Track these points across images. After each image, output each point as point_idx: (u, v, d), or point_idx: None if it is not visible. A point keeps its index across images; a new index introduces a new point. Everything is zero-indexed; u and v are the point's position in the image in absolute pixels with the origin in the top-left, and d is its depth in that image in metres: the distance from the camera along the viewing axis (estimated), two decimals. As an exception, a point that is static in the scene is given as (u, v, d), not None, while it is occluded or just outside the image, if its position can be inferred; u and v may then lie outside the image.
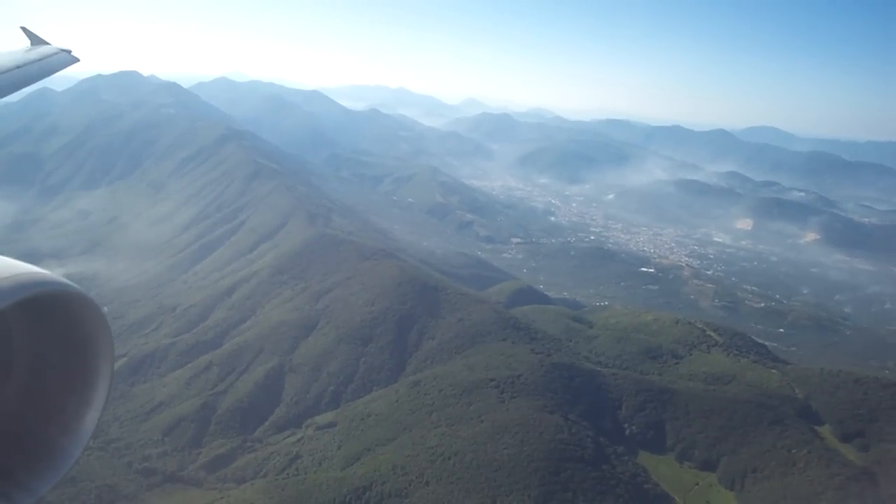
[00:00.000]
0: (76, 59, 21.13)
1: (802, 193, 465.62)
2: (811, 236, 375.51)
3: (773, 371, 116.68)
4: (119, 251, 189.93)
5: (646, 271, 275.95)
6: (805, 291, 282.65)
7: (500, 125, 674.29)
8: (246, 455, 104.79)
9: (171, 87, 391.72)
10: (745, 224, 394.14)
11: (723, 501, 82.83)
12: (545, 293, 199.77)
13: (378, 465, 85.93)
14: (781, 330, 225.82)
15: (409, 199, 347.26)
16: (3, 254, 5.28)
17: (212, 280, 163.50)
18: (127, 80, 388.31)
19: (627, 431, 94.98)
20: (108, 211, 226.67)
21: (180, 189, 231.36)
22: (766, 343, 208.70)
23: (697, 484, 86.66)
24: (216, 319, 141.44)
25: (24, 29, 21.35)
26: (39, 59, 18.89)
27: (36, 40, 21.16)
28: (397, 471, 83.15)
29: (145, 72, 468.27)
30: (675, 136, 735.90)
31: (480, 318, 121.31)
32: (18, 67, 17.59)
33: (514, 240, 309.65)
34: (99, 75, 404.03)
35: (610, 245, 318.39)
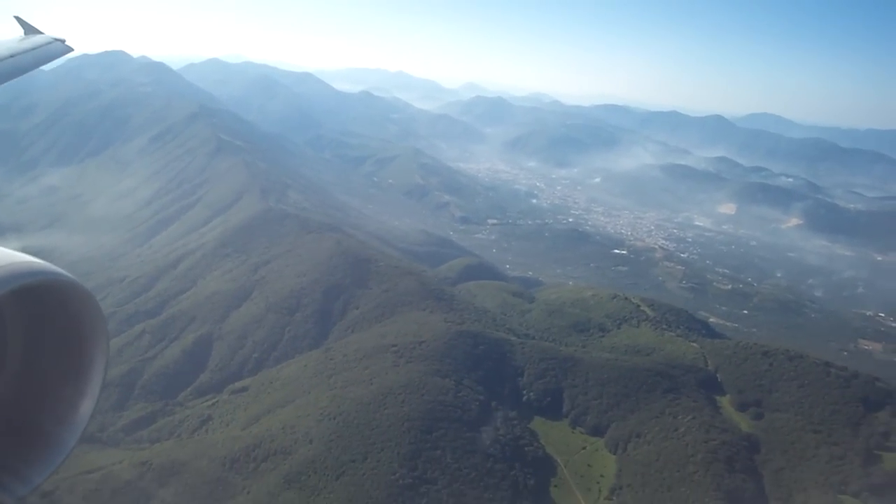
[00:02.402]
0: (70, 49, 21.18)
1: (790, 179, 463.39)
2: (793, 221, 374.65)
3: (694, 344, 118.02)
4: (80, 226, 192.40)
5: (618, 253, 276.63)
6: (778, 275, 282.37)
7: (494, 109, 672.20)
8: (165, 418, 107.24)
9: (154, 67, 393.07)
10: (728, 209, 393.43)
11: (603, 464, 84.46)
12: (501, 271, 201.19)
13: (272, 426, 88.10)
14: (745, 311, 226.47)
15: (390, 181, 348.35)
16: None
17: (163, 253, 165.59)
18: (111, 60, 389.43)
19: (525, 397, 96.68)
20: (75, 187, 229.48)
21: (146, 166, 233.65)
22: (729, 324, 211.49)
23: (584, 448, 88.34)
24: (158, 290, 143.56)
25: (17, 18, 21.29)
26: (33, 49, 18.73)
27: (30, 30, 21.07)
28: (286, 430, 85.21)
29: (135, 53, 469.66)
30: (670, 121, 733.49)
31: (405, 289, 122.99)
32: (12, 56, 17.45)
33: (491, 221, 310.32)
34: (85, 55, 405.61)
35: (587, 227, 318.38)
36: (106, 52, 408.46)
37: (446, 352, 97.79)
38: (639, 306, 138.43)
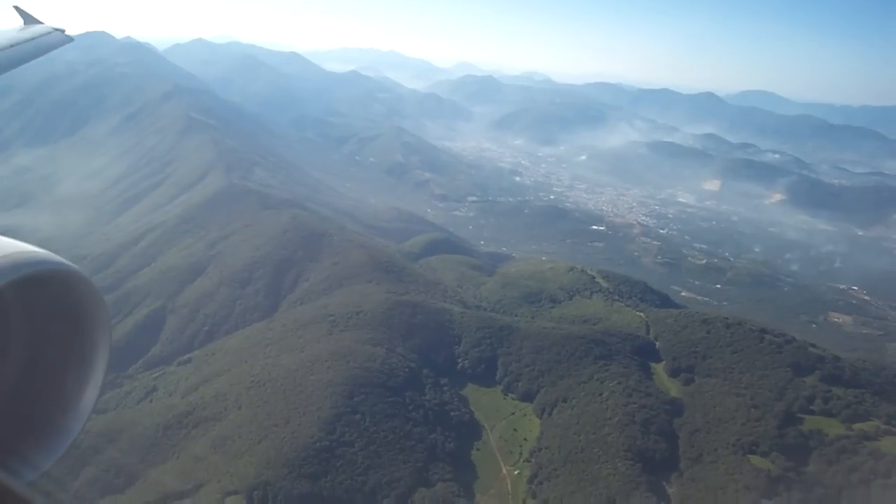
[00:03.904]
0: (70, 39, 21.09)
1: (777, 155, 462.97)
2: (776, 197, 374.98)
3: (640, 314, 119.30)
4: (48, 206, 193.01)
5: (596, 229, 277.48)
6: (756, 250, 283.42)
7: (484, 87, 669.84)
8: (113, 390, 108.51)
9: (134, 48, 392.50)
10: (712, 185, 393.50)
11: (529, 428, 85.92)
12: (470, 247, 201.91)
13: (206, 394, 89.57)
14: (718, 286, 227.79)
15: (371, 159, 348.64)
16: None
17: (127, 231, 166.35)
18: (92, 41, 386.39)
19: (459, 365, 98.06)
20: (47, 167, 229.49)
21: (117, 145, 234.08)
22: (700, 298, 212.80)
23: (513, 413, 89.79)
24: (118, 267, 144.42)
25: (16, 8, 21.08)
26: (32, 39, 18.46)
27: (29, 20, 20.85)
28: (219, 398, 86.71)
29: (120, 34, 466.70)
30: (662, 98, 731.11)
31: (354, 262, 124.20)
32: (12, 47, 17.24)
33: (470, 198, 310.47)
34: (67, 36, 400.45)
35: (568, 204, 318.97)
36: (87, 33, 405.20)
37: (383, 321, 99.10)
38: (594, 278, 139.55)
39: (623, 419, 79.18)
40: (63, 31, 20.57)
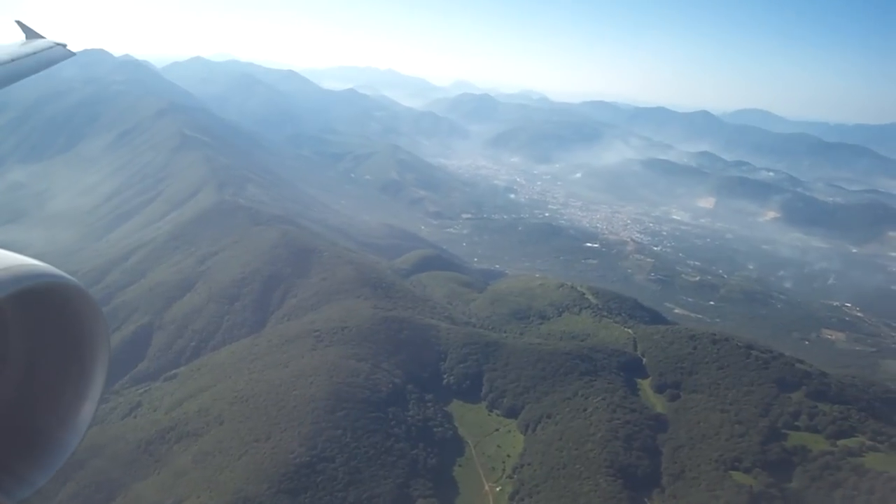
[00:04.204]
0: (71, 54, 21.25)
1: (771, 173, 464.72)
2: (771, 214, 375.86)
3: (628, 330, 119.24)
4: (41, 221, 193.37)
5: (590, 246, 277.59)
6: (750, 267, 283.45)
7: (481, 106, 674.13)
8: (99, 406, 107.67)
9: (132, 65, 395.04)
10: (707, 202, 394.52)
11: (512, 445, 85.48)
12: (462, 263, 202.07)
13: (190, 409, 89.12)
14: (711, 302, 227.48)
15: (367, 177, 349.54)
16: None
17: (119, 248, 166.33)
18: (90, 58, 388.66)
19: (445, 381, 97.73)
20: (41, 183, 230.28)
21: (111, 162, 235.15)
22: (693, 315, 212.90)
23: (497, 430, 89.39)
24: (108, 282, 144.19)
25: (18, 23, 21.44)
26: (34, 53, 18.77)
27: (31, 34, 21.16)
28: (202, 413, 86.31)
29: (119, 52, 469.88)
30: (657, 117, 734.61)
31: (343, 278, 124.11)
32: (13, 61, 17.50)
33: (465, 215, 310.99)
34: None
35: (562, 222, 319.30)
36: (85, 51, 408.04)
37: (368, 336, 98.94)
38: (583, 294, 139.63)
39: (606, 435, 78.84)
40: (64, 45, 20.86)
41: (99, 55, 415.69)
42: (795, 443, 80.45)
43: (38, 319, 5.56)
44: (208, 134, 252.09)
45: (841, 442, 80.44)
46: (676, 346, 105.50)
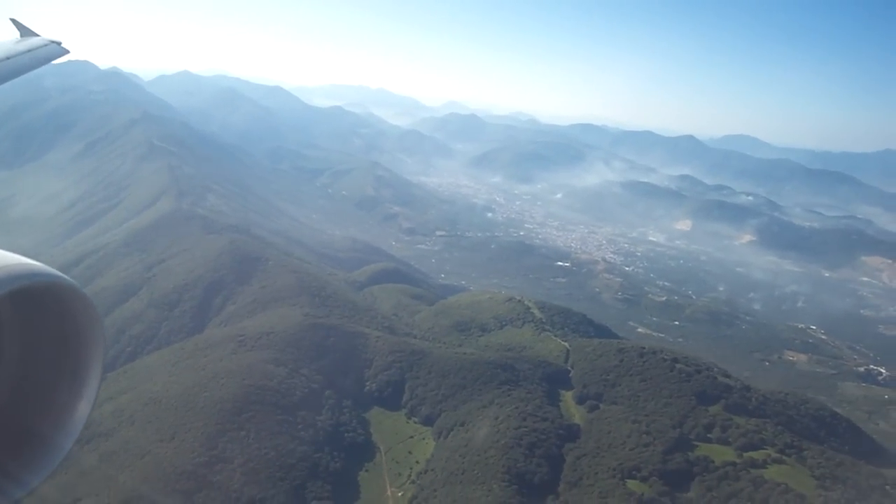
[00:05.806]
0: (66, 51, 21.07)
1: (750, 197, 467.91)
2: (746, 238, 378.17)
3: (564, 343, 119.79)
4: (2, 226, 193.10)
5: (561, 265, 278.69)
6: (721, 288, 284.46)
7: (468, 125, 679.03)
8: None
9: (113, 77, 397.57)
10: (683, 225, 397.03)
11: (424, 451, 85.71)
12: (421, 278, 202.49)
13: (105, 410, 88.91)
14: (676, 322, 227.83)
15: (343, 192, 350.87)
16: None
17: (74, 254, 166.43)
18: (72, 69, 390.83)
19: (367, 388, 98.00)
20: (7, 190, 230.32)
21: (78, 169, 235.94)
22: (656, 334, 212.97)
23: (412, 437, 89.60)
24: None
25: (13, 20, 21.13)
26: (28, 51, 18.48)
27: (25, 32, 20.95)
28: (116, 414, 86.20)
29: (107, 64, 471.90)
30: (643, 140, 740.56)
31: (282, 286, 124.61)
32: (8, 59, 17.32)
33: (439, 232, 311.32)
34: (49, 65, 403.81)
35: (537, 241, 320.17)
36: (69, 62, 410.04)
37: (291, 342, 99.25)
38: (529, 308, 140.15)
39: (509, 442, 79.04)
40: (59, 43, 20.71)
41: (82, 66, 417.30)
42: (701, 454, 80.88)
43: (34, 319, 5.51)
44: (178, 144, 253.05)
45: (747, 454, 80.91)
46: (604, 359, 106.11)
